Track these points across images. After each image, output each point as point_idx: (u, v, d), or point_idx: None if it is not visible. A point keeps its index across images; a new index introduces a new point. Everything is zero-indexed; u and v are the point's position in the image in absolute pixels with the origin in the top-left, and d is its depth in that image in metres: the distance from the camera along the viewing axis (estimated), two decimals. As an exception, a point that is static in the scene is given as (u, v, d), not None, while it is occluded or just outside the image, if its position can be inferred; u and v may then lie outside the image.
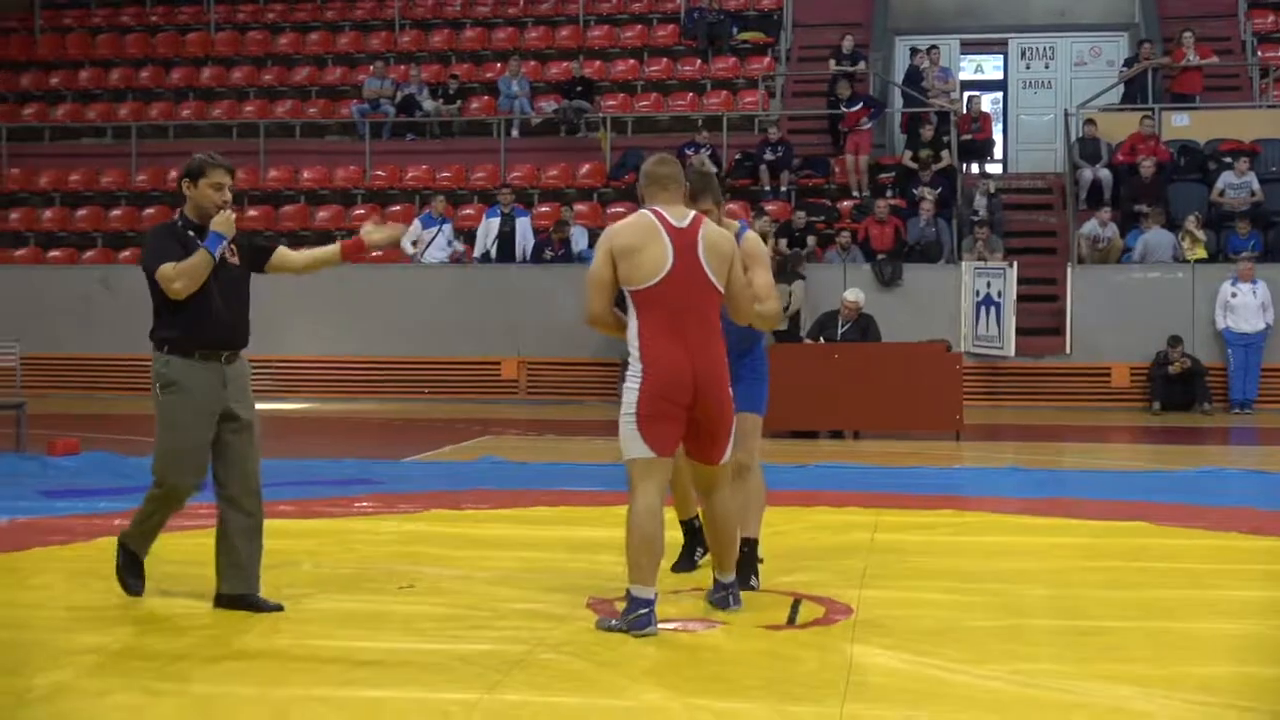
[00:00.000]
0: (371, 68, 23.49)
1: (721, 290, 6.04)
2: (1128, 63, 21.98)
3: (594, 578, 6.81)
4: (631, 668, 5.28)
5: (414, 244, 18.99)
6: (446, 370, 19.04)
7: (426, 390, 18.76)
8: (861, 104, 20.71)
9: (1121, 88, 21.86)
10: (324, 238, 21.00)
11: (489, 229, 19.42)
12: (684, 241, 5.98)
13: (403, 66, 23.73)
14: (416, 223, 19.37)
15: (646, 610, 5.76)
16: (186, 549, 7.24)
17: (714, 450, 6.10)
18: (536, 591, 6.56)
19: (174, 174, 21.83)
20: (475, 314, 19.10)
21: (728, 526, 6.26)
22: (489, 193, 20.67)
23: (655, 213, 6.05)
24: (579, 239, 19.52)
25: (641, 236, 5.99)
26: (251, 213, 21.64)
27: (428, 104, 22.57)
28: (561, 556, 7.39)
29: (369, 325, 19.36)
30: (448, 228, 19.49)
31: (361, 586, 6.72)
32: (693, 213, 6.11)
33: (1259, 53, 22.45)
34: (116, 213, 21.98)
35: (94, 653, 5.51)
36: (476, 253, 19.59)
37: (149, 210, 21.87)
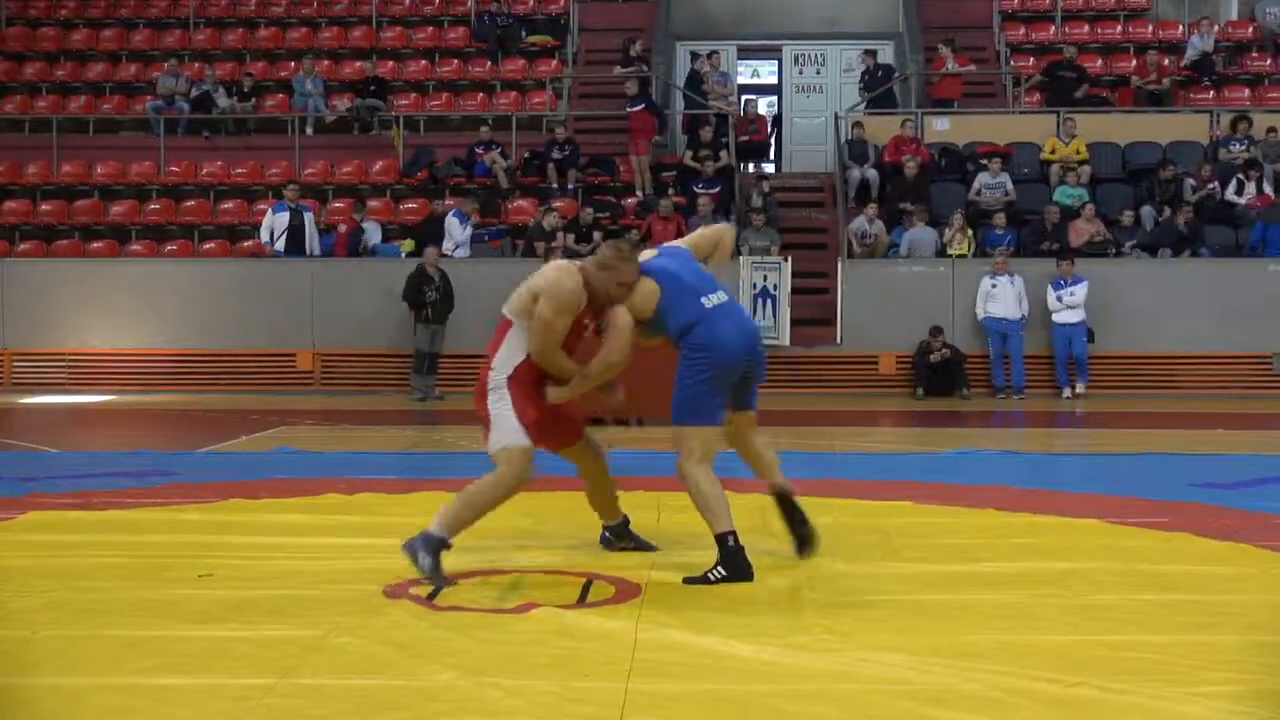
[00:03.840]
0: (166, 65, 22.90)
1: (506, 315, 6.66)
2: (883, 70, 22.47)
3: (390, 565, 6.72)
4: (426, 650, 5.22)
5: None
6: (241, 362, 18.64)
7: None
8: (644, 104, 20.83)
9: (890, 92, 22.34)
10: (118, 232, 20.45)
11: (276, 224, 19.02)
12: None
13: (197, 64, 23.20)
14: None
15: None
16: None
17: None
18: (333, 578, 6.45)
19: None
20: (270, 306, 18.73)
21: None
22: (283, 189, 20.34)
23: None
24: (372, 234, 19.33)
25: None
26: (45, 207, 20.95)
27: (223, 101, 22.10)
28: (357, 543, 7.29)
29: (163, 318, 18.85)
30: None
31: (158, 576, 6.52)
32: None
33: (1012, 62, 23.19)
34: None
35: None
36: (263, 245, 19.16)
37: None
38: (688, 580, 6.43)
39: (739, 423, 6.97)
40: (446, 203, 19.77)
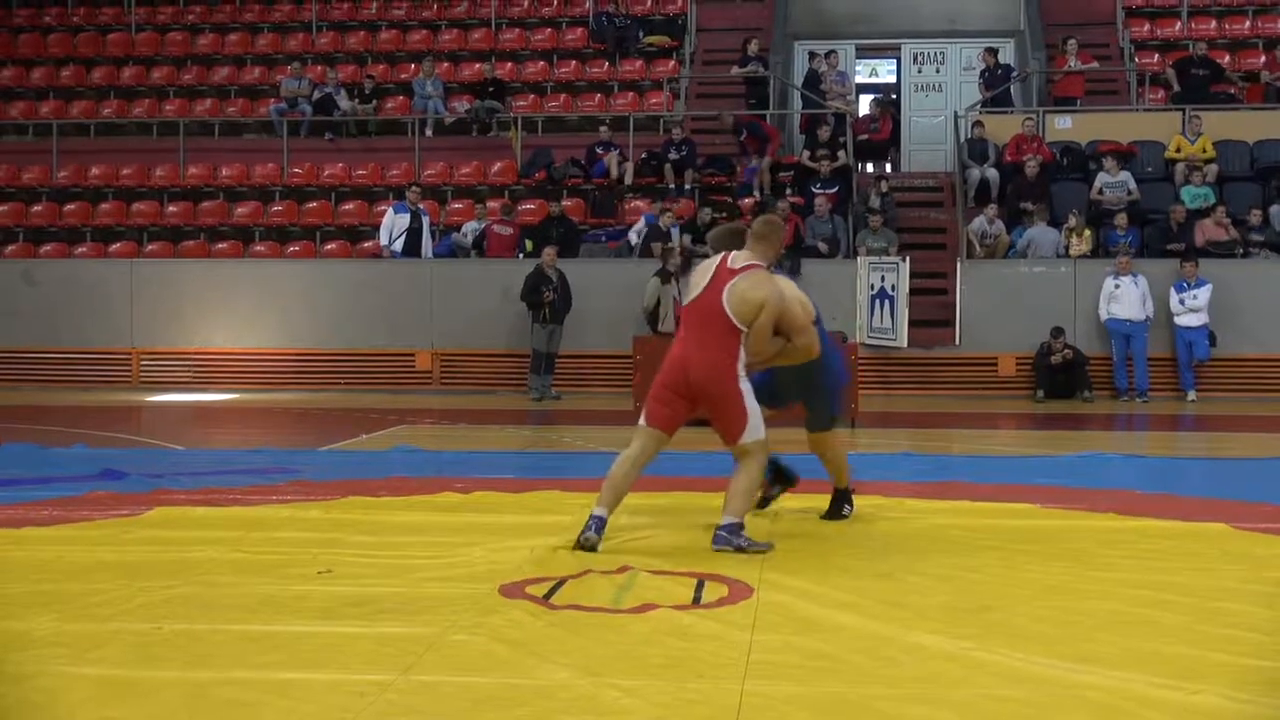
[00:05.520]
0: (289, 68, 23.27)
1: (729, 317, 7.21)
2: (1003, 69, 22.22)
3: (506, 563, 6.78)
4: (541, 649, 5.25)
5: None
6: (362, 362, 18.89)
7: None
8: (745, 132, 20.81)
9: (1011, 89, 22.09)
10: (242, 233, 20.81)
11: (396, 224, 19.21)
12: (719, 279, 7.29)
13: (320, 67, 23.54)
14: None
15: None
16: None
17: (725, 433, 7.33)
18: (450, 577, 6.52)
19: (95, 170, 21.63)
20: (390, 306, 18.95)
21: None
22: (404, 190, 20.57)
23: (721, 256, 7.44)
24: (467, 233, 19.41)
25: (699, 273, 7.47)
26: (172, 209, 21.37)
27: (344, 104, 22.39)
28: (474, 542, 7.35)
29: (285, 318, 19.16)
30: (674, 233, 18.85)
31: (279, 572, 6.63)
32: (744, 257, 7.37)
33: (1136, 59, 22.79)
34: (38, 208, 21.63)
35: (18, 638, 5.41)
36: (381, 246, 19.36)
37: (70, 206, 21.57)
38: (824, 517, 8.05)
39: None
40: (564, 203, 19.86)
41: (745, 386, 7.26)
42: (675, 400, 7.29)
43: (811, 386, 7.87)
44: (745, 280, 7.25)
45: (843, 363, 7.99)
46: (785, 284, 7.53)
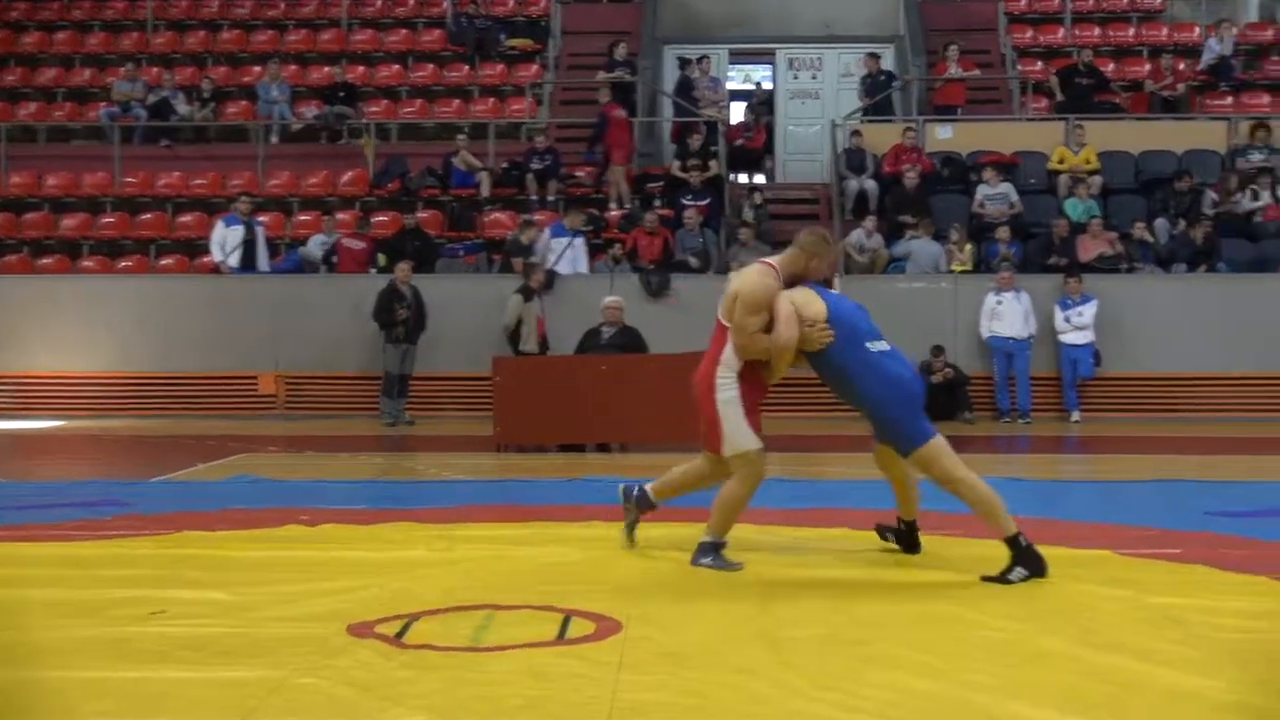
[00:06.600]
0: (122, 69, 22.93)
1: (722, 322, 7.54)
2: (885, 76, 22.56)
3: (355, 601, 6.72)
4: (392, 692, 5.21)
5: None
6: (200, 386, 18.58)
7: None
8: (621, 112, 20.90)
9: (889, 98, 22.41)
10: (69, 247, 20.43)
11: (228, 238, 18.94)
12: None
13: (155, 69, 23.24)
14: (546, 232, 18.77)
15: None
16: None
17: (705, 443, 7.69)
18: (295, 616, 6.44)
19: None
20: (231, 326, 18.66)
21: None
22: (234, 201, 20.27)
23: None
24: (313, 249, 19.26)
25: None
26: (-8, 220, 20.94)
27: (182, 108, 22.12)
28: (322, 579, 7.27)
29: (116, 338, 18.78)
30: (579, 241, 18.71)
31: (107, 613, 6.49)
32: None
33: (1018, 66, 23.25)
34: None
35: None
36: (215, 262, 19.10)
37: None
38: (985, 579, 7.19)
39: (886, 452, 7.87)
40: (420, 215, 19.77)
41: (726, 396, 7.47)
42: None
43: (859, 403, 7.70)
44: (737, 275, 7.64)
45: (890, 384, 7.56)
46: (801, 293, 7.52)
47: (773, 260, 7.68)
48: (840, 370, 7.50)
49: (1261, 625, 6.26)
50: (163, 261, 20.27)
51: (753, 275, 7.55)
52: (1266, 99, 22.64)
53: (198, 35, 24.44)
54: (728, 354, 7.50)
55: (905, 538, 8.07)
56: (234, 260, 18.85)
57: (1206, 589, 7.04)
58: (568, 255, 18.39)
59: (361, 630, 6.16)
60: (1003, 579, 7.17)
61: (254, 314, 18.64)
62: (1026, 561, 7.21)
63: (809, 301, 7.44)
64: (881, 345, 7.55)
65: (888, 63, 23.55)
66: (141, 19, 24.53)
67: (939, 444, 7.62)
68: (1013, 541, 7.27)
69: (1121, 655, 5.70)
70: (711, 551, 7.59)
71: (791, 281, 7.55)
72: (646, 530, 8.43)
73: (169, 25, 24.55)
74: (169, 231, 20.76)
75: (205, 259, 19.79)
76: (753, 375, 7.54)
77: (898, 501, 7.99)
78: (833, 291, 7.75)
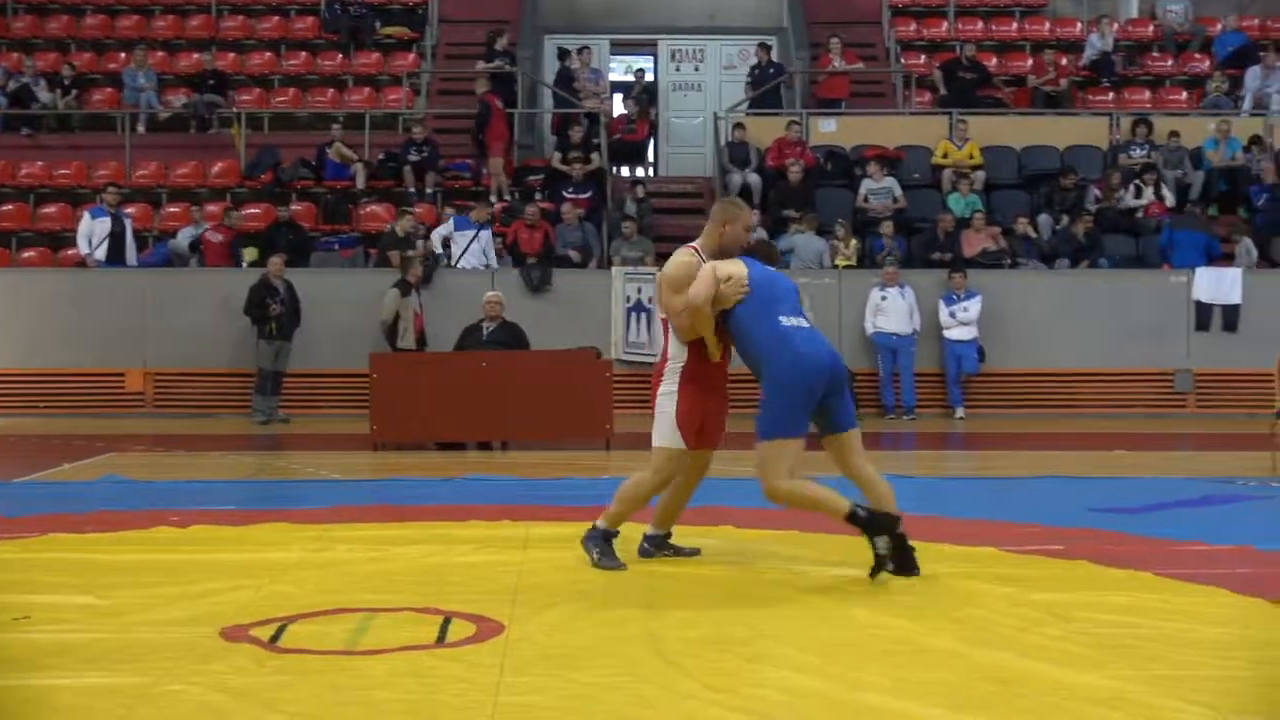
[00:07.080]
0: (-21, 55, 22.50)
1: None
2: (774, 68, 22.69)
3: (228, 604, 6.65)
4: (266, 697, 5.17)
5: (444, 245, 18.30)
6: (65, 383, 18.27)
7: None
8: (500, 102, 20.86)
9: (775, 91, 22.54)
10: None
11: (95, 230, 18.62)
12: None
13: (15, 54, 22.79)
14: (450, 224, 18.54)
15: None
16: None
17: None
18: (165, 620, 6.37)
19: None
20: (96, 321, 18.35)
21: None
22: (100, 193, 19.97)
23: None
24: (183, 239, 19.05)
25: None
26: None
27: (44, 95, 21.75)
28: (193, 582, 7.18)
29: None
30: (486, 234, 18.47)
31: (-33, 619, 6.40)
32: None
33: (902, 60, 23.51)
34: None
35: None
36: (83, 255, 18.79)
37: None
38: (871, 574, 7.16)
39: (835, 446, 7.57)
40: (293, 207, 19.59)
41: (665, 389, 7.61)
42: None
43: (757, 373, 7.50)
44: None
45: (788, 362, 7.29)
46: (726, 261, 7.52)
47: (694, 243, 7.76)
48: (746, 334, 7.39)
49: (1142, 620, 6.39)
50: (24, 254, 19.92)
51: (674, 258, 7.66)
52: (1147, 94, 23.10)
53: (60, 20, 24.02)
54: (674, 349, 7.61)
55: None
56: (101, 254, 18.54)
57: (1089, 585, 7.18)
58: (474, 249, 18.32)
59: (235, 634, 6.10)
60: (879, 566, 7.19)
61: (121, 309, 18.34)
62: (872, 527, 7.19)
63: (730, 264, 7.48)
64: (799, 321, 7.44)
65: (773, 55, 23.68)
66: (1, 2, 24.07)
67: (783, 449, 7.34)
68: (852, 517, 7.21)
69: (1006, 651, 5.80)
70: (600, 541, 7.64)
71: (717, 255, 7.59)
72: (531, 529, 8.44)
73: (29, 9, 24.10)
74: (31, 223, 20.40)
75: (70, 252, 19.47)
76: (704, 377, 7.60)
77: (868, 500, 7.51)
78: (767, 267, 7.67)
